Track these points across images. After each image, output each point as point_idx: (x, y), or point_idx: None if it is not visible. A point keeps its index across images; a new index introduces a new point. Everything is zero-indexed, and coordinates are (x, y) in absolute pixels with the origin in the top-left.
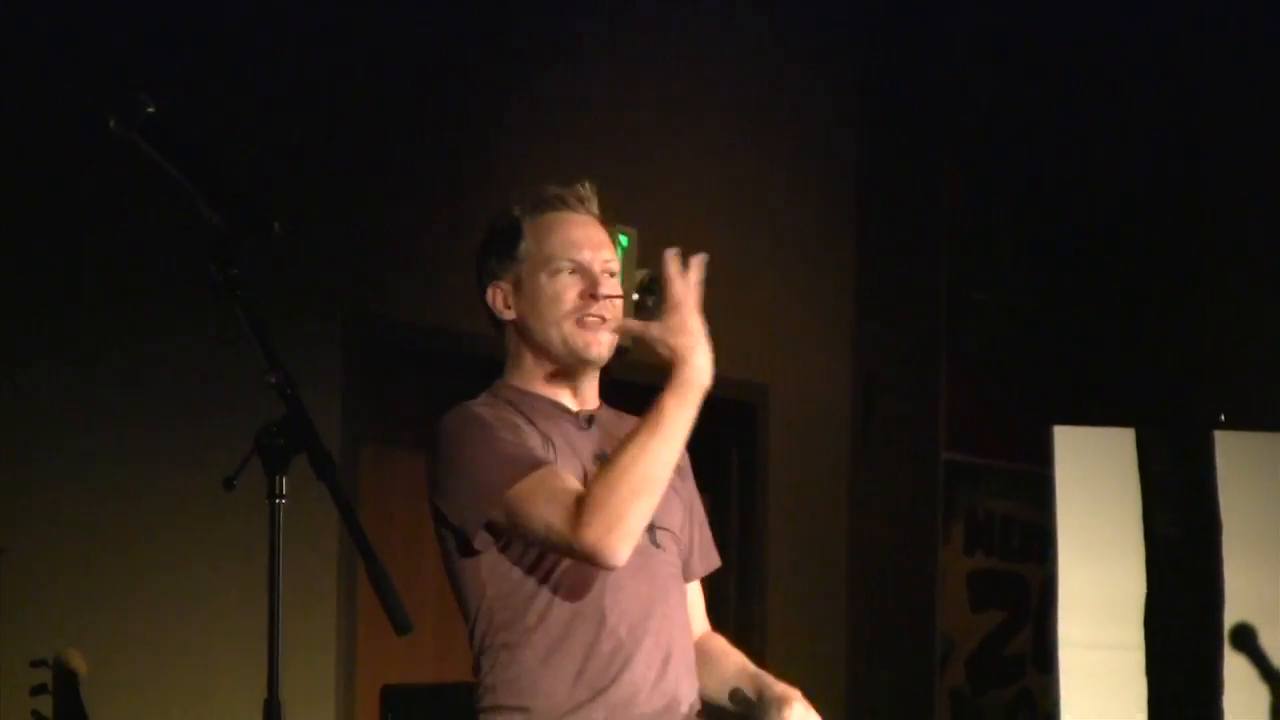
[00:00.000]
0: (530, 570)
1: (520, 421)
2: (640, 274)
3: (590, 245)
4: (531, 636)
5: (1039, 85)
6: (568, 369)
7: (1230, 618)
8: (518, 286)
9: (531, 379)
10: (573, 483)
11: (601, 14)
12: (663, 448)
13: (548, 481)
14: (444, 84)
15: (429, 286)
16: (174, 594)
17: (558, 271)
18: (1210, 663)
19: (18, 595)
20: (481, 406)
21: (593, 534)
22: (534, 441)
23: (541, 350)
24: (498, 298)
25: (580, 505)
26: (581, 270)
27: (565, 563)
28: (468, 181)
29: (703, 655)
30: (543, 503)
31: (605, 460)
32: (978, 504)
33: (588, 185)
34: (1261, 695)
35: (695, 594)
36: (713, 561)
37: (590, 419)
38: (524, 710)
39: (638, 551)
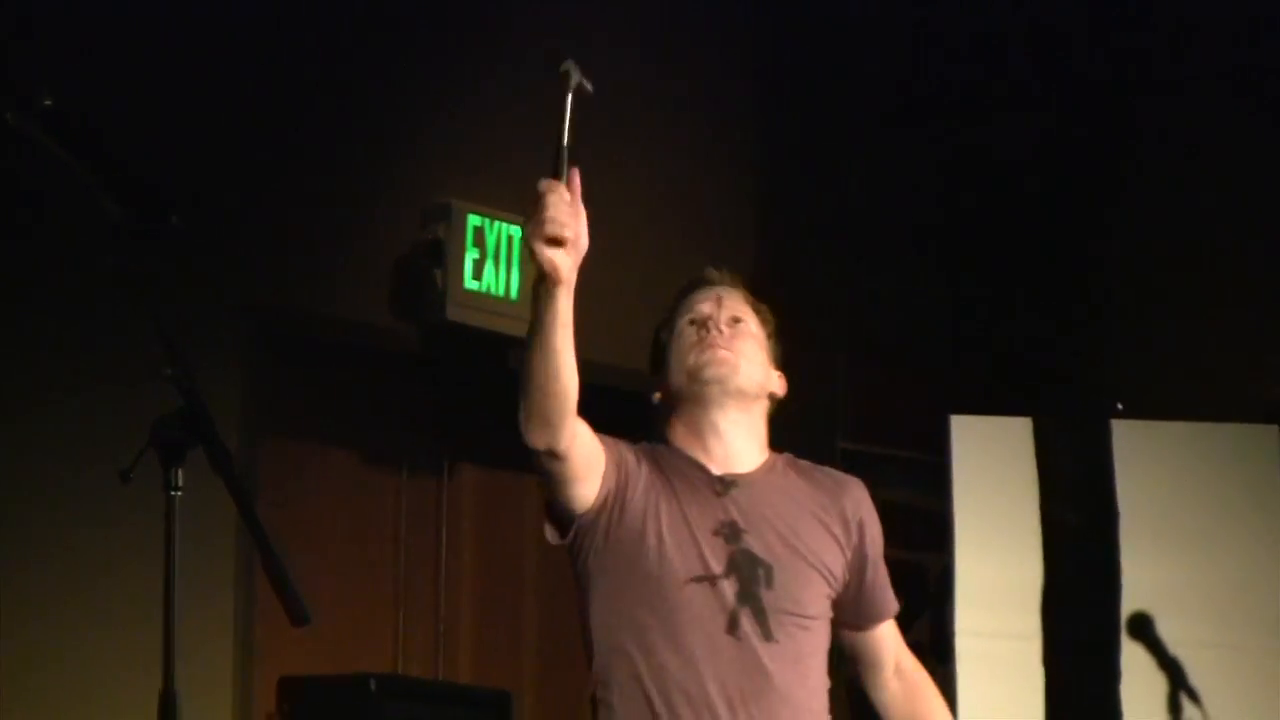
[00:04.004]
0: (618, 620)
1: (644, 469)
2: None
3: (710, 301)
4: (613, 707)
5: (941, 75)
6: (704, 413)
7: (1127, 606)
8: (663, 365)
9: (681, 440)
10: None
11: (504, 5)
12: (530, 340)
13: None
14: (341, 74)
15: (329, 279)
16: (69, 586)
17: (680, 331)
18: (1107, 651)
19: None
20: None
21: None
22: (615, 455)
23: (681, 405)
24: (656, 389)
25: None
26: (700, 318)
27: (655, 633)
28: (365, 173)
29: (891, 698)
30: None
31: (732, 532)
32: (876, 494)
33: (723, 270)
34: (1159, 683)
35: (881, 640)
36: (887, 609)
37: (730, 485)
38: None
39: (738, 644)
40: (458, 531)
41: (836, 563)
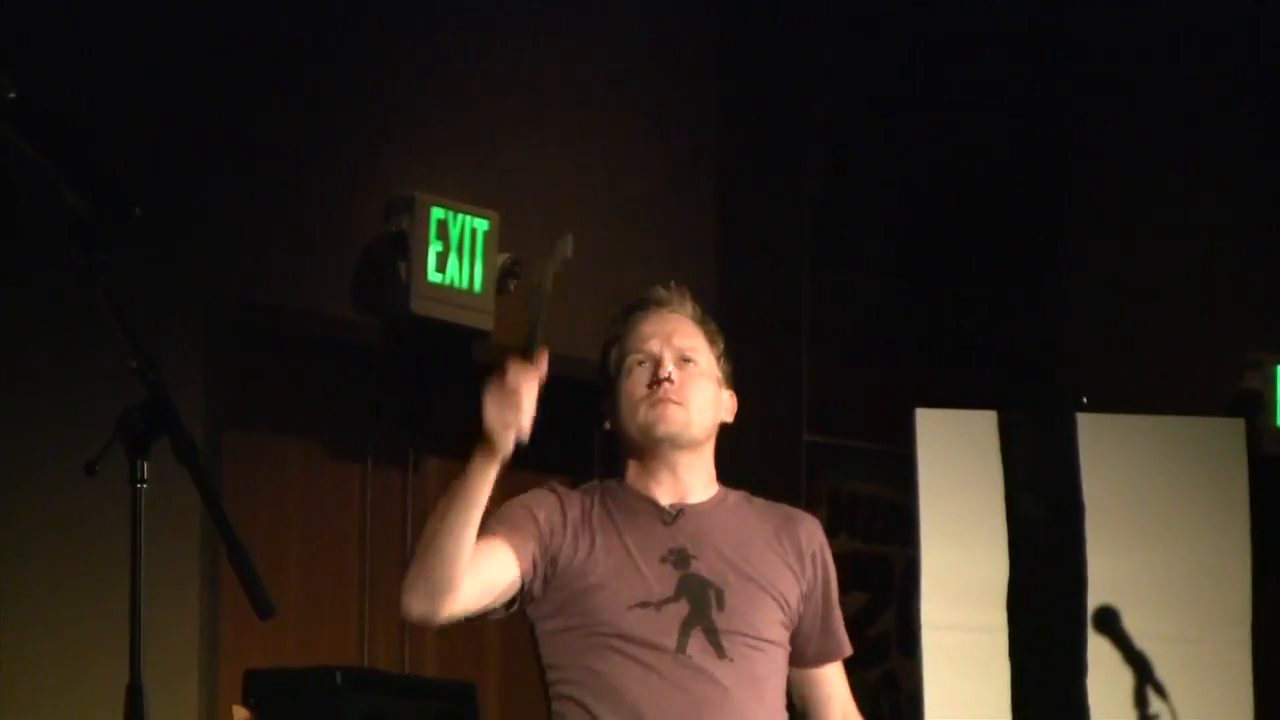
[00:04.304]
0: (569, 655)
1: (573, 515)
2: (502, 258)
3: (659, 336)
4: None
5: (901, 67)
6: (657, 458)
7: (1093, 600)
8: (612, 395)
9: (633, 477)
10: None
11: None
12: (449, 503)
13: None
14: (305, 67)
15: (294, 271)
16: (36, 579)
17: (629, 370)
18: (1073, 645)
19: None
20: (560, 490)
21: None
22: (529, 530)
23: (630, 447)
24: (606, 417)
25: None
26: (650, 359)
27: (606, 656)
28: (329, 165)
29: None
30: None
31: (680, 558)
32: (841, 486)
33: (672, 285)
34: (1124, 677)
35: (828, 683)
36: (839, 649)
37: (677, 514)
38: None
39: (689, 661)
40: (423, 524)
41: (791, 591)
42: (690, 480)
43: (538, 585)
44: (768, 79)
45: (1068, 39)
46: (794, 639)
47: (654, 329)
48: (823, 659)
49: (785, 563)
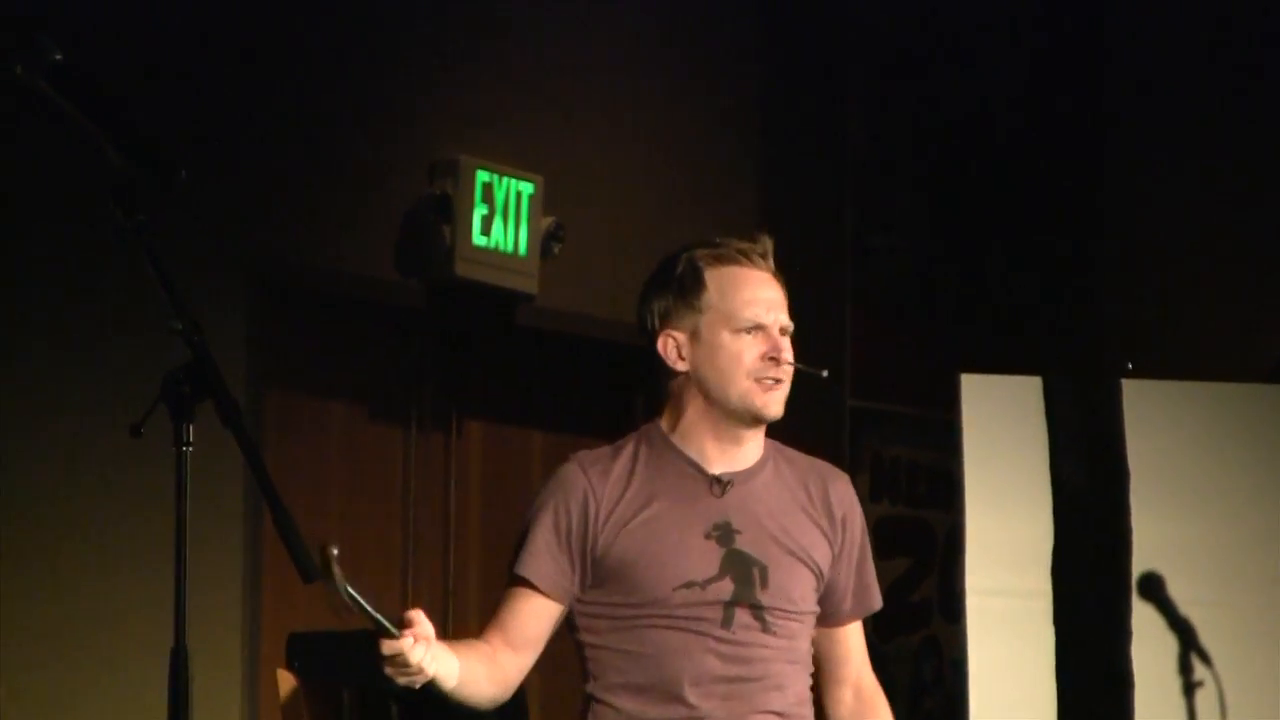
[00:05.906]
0: (610, 628)
1: (608, 495)
2: (547, 221)
3: (773, 306)
4: (614, 699)
5: (940, 28)
6: (733, 426)
7: (1137, 566)
8: (695, 338)
9: (687, 432)
10: (512, 615)
11: None
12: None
13: (508, 599)
14: (349, 29)
15: (333, 232)
16: (80, 542)
17: (740, 330)
18: (1118, 611)
19: None
20: (589, 471)
21: None
22: (554, 555)
23: (712, 405)
24: (670, 347)
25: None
26: (764, 331)
27: (648, 632)
28: (372, 128)
29: (840, 716)
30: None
31: (725, 533)
32: (884, 451)
33: (767, 239)
34: (1169, 644)
35: (850, 638)
36: (870, 605)
37: (727, 484)
38: None
39: (736, 636)
40: (466, 488)
41: (824, 557)
42: (749, 449)
43: (579, 588)
44: (808, 42)
45: None
46: (825, 600)
47: (765, 295)
48: (852, 616)
49: (819, 527)
